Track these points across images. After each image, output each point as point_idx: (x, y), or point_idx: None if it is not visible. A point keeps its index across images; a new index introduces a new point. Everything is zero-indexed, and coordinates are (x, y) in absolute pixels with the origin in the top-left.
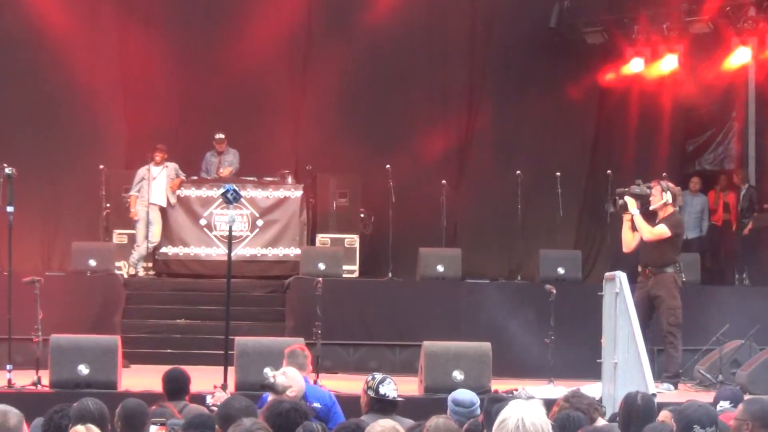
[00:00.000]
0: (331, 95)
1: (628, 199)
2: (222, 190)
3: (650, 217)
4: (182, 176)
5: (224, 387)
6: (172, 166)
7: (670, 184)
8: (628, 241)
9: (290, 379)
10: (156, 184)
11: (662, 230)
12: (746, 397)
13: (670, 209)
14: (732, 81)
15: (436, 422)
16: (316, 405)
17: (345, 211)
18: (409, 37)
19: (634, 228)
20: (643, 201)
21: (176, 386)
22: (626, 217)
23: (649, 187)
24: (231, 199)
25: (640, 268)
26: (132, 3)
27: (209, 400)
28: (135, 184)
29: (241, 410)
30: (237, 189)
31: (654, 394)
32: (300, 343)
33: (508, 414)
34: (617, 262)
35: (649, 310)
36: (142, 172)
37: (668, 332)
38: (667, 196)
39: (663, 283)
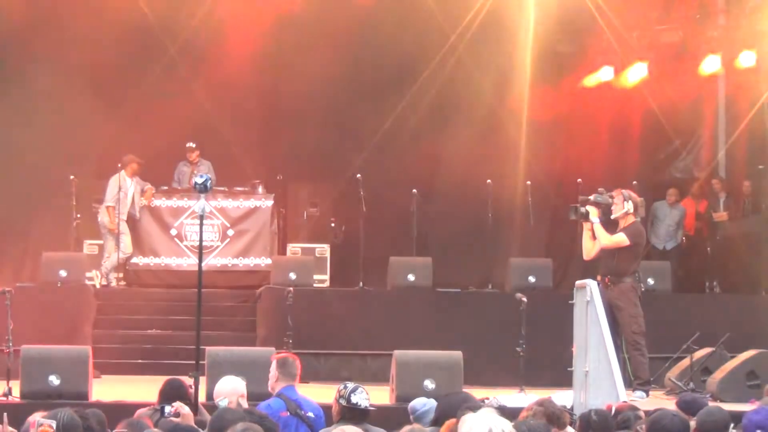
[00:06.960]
0: (302, 105)
1: (589, 207)
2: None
3: (612, 225)
4: (148, 186)
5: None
6: (137, 179)
7: (632, 194)
8: (588, 249)
9: (230, 393)
10: (129, 196)
11: (620, 238)
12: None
13: (631, 218)
14: (702, 89)
15: (411, 429)
16: (310, 414)
17: (316, 221)
18: (380, 46)
19: (594, 236)
20: (605, 209)
21: (173, 395)
22: (587, 226)
23: (611, 196)
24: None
25: (599, 277)
26: (102, 13)
27: (168, 410)
28: (113, 195)
29: (234, 422)
30: (210, 182)
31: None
32: (289, 352)
33: (474, 423)
34: (588, 271)
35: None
36: (117, 182)
37: (633, 340)
38: (629, 205)
39: (622, 293)
